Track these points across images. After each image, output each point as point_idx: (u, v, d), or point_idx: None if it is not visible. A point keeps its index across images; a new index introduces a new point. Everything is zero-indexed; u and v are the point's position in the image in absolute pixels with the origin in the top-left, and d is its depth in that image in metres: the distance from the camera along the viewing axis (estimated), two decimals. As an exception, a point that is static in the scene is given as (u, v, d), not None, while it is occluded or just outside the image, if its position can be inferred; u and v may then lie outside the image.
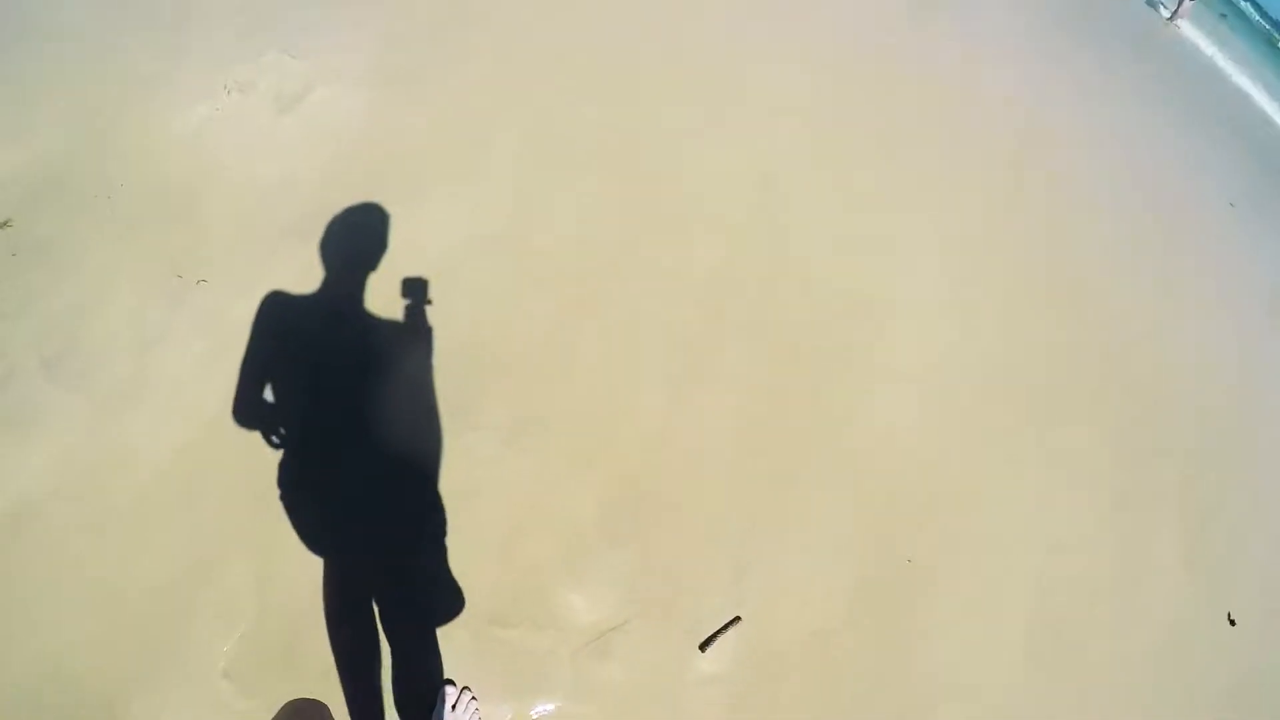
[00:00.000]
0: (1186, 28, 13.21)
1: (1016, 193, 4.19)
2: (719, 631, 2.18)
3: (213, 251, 2.48)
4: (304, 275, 2.46)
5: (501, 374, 2.42)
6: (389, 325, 2.43)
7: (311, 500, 2.11)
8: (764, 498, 2.45)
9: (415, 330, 2.43)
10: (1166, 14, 13.22)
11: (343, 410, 2.27)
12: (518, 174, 2.96)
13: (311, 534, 2.08)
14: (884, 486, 2.61)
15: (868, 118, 4.14)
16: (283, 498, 2.10)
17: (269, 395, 2.25)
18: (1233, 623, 2.83)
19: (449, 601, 2.07)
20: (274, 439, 2.18)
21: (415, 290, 2.57)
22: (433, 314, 2.50)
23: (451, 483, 2.19)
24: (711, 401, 2.58)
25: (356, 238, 2.59)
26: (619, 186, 3.04)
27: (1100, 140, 5.80)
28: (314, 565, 2.05)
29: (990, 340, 3.24)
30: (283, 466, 2.14)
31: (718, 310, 2.81)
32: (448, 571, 2.10)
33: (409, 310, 2.52)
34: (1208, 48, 13.07)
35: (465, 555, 2.12)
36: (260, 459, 2.15)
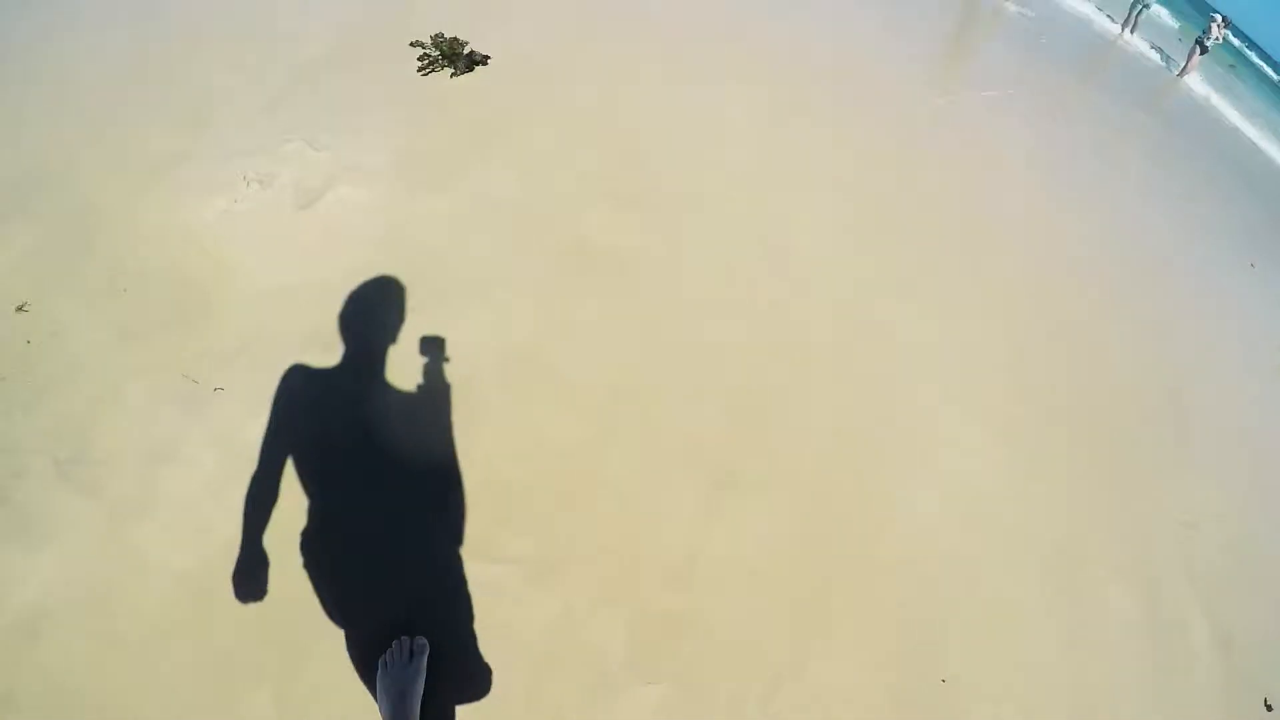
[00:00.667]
0: (1196, 81, 13.35)
1: (1039, 286, 4.15)
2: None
3: (230, 356, 2.43)
4: (324, 388, 2.42)
5: (524, 501, 2.35)
6: (414, 446, 2.37)
7: (331, 644, 2.03)
8: (797, 615, 2.35)
9: (441, 438, 2.37)
10: (1175, 70, 13.40)
11: (362, 541, 2.20)
12: (539, 286, 2.90)
13: (333, 673, 1.99)
14: (920, 599, 2.51)
15: (895, 200, 4.16)
16: (298, 633, 2.02)
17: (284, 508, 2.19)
18: (1269, 708, 2.76)
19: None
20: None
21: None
22: (456, 437, 2.43)
23: (475, 620, 2.11)
24: (740, 519, 2.49)
25: (376, 347, 2.55)
26: (641, 300, 3.00)
27: (1117, 210, 5.78)
28: (339, 699, 1.96)
29: (1030, 448, 3.16)
30: (296, 599, 2.06)
31: (742, 425, 2.74)
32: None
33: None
34: (1218, 100, 13.16)
35: (487, 699, 2.03)
36: (275, 586, 2.08)
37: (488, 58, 3.73)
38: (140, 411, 2.27)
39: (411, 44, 3.69)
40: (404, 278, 2.71)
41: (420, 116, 3.42)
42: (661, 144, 3.79)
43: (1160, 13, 14.98)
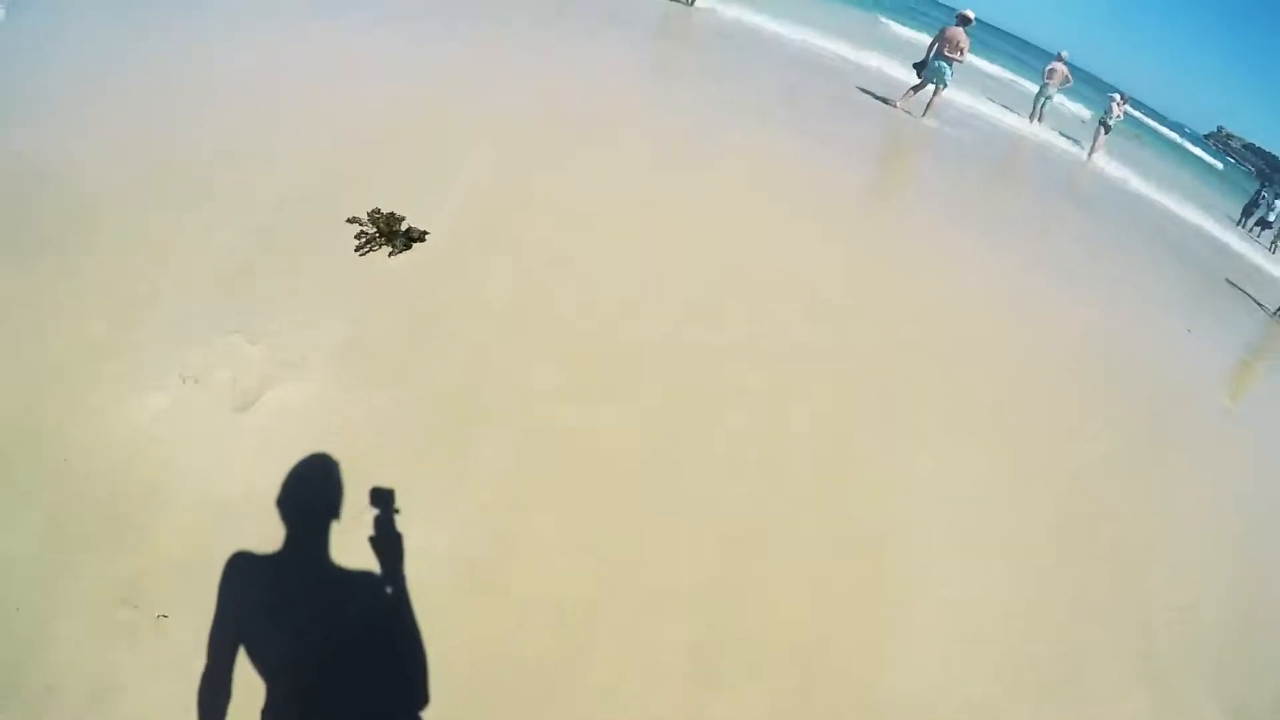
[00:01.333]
0: (1105, 160, 14.35)
1: (1003, 388, 4.26)
2: None
3: (171, 576, 2.30)
4: (272, 608, 2.28)
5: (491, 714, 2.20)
6: (371, 661, 2.22)
7: None
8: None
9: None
10: (1084, 153, 14.43)
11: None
12: (498, 489, 2.83)
13: None
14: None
15: (852, 316, 4.30)
16: None
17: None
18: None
19: None
20: None
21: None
22: (415, 650, 2.29)
23: None
24: (727, 712, 2.37)
25: (322, 557, 2.45)
26: (605, 497, 2.94)
27: (1054, 298, 6.02)
28: None
29: (1016, 560, 3.11)
30: None
31: (720, 620, 2.64)
32: None
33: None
34: (1130, 174, 14.12)
35: None
36: None
37: (426, 233, 3.72)
38: (77, 645, 2.12)
39: (348, 220, 3.68)
40: (351, 481, 2.63)
41: (359, 302, 3.33)
42: (617, 320, 3.72)
43: (1062, 101, 16.18)
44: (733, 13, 13.32)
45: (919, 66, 10.38)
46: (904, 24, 28.77)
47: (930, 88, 10.32)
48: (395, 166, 4.51)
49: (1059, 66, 14.21)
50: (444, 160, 4.75)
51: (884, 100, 10.67)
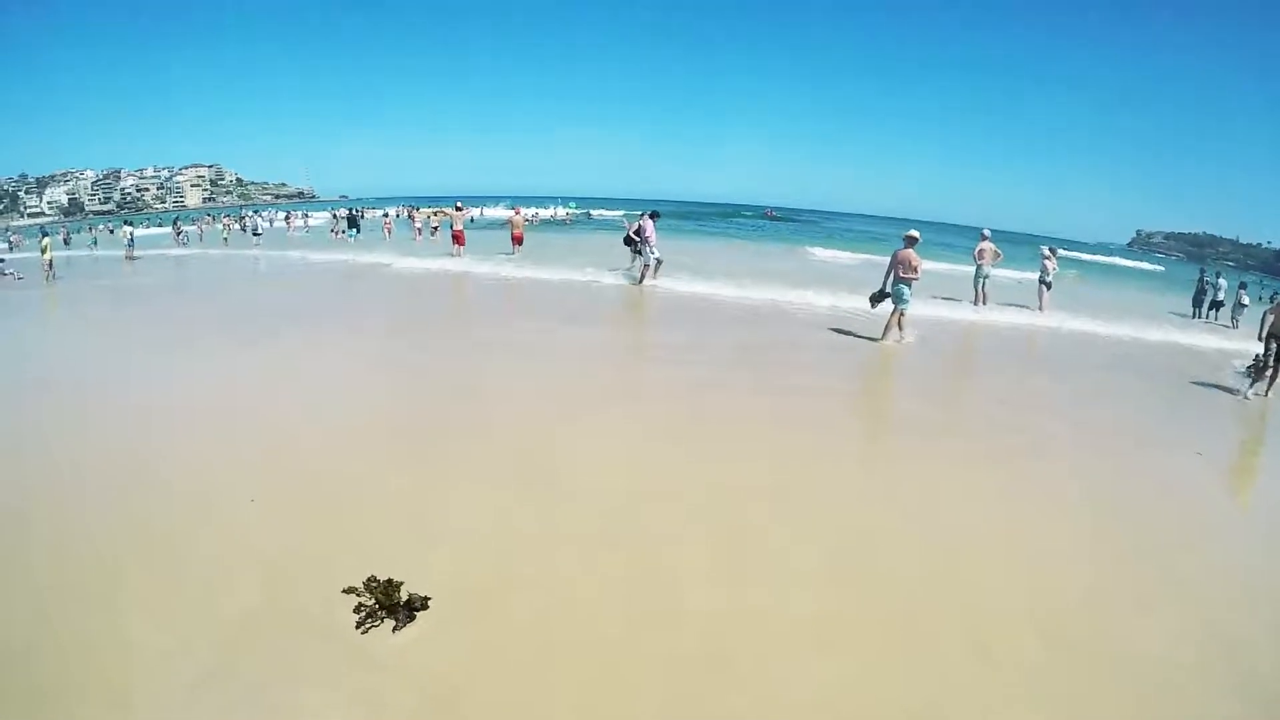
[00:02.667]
0: (1056, 312, 14.86)
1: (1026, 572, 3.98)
2: None
3: None
4: None
5: None
6: None
7: None
8: None
9: None
10: (1035, 310, 15.01)
11: None
12: None
13: None
14: None
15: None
16: None
17: None
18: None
19: None
20: None
21: None
22: None
23: None
24: None
25: None
26: None
27: (1061, 454, 5.87)
28: None
29: None
30: None
31: None
32: None
33: None
34: (1084, 321, 14.45)
35: None
36: None
37: (427, 600, 3.48)
38: None
39: (344, 590, 3.50)
40: None
41: (367, 694, 2.96)
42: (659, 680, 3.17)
43: (1000, 273, 17.18)
44: (682, 286, 14.97)
45: (876, 298, 10.96)
46: (826, 247, 31.59)
47: (891, 310, 10.62)
48: (375, 511, 4.45)
49: (987, 245, 15.08)
50: (427, 499, 4.69)
51: (847, 333, 11.08)
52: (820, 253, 28.72)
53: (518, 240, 21.03)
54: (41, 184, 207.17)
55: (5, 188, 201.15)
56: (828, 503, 4.89)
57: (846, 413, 7.58)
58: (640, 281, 15.14)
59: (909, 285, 10.59)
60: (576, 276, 16.42)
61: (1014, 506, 5.03)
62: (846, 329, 11.39)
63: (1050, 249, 15.97)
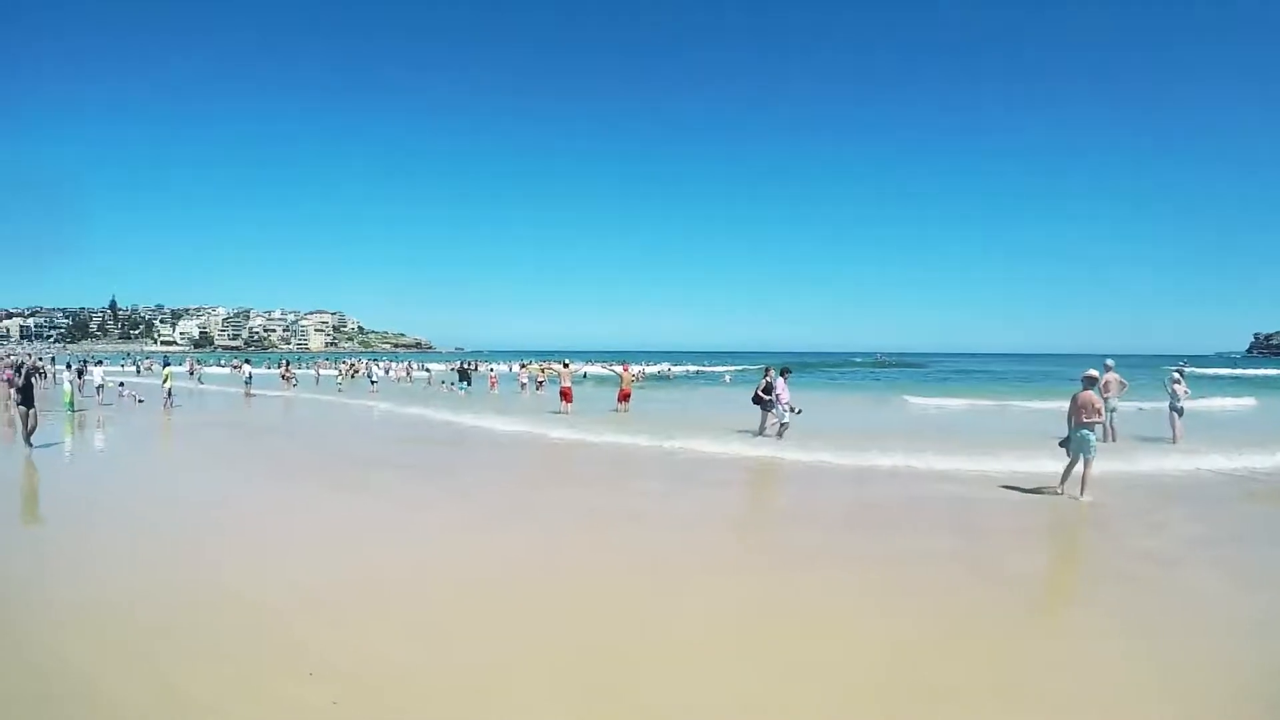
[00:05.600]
0: (1188, 443, 13.89)
1: None
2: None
3: None
4: None
5: None
6: None
7: None
8: None
9: None
10: (1171, 442, 14.16)
11: None
12: None
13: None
14: None
15: None
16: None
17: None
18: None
19: None
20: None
21: None
22: None
23: None
24: None
25: None
26: None
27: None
28: None
29: None
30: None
31: None
32: None
33: None
34: (1216, 447, 13.32)
35: None
36: None
37: None
38: None
39: None
40: None
41: None
42: None
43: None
44: (789, 454, 13.08)
45: (1064, 443, 9.74)
46: (923, 395, 30.06)
47: (1080, 463, 9.45)
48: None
49: (1111, 376, 14.17)
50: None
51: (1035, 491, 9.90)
52: (920, 401, 27.85)
53: (624, 397, 21.22)
54: (175, 315, 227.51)
55: (143, 315, 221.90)
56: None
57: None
58: (780, 436, 14.44)
59: (1093, 430, 9.50)
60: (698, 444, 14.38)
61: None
62: (1016, 485, 10.24)
63: (1179, 370, 15.04)
